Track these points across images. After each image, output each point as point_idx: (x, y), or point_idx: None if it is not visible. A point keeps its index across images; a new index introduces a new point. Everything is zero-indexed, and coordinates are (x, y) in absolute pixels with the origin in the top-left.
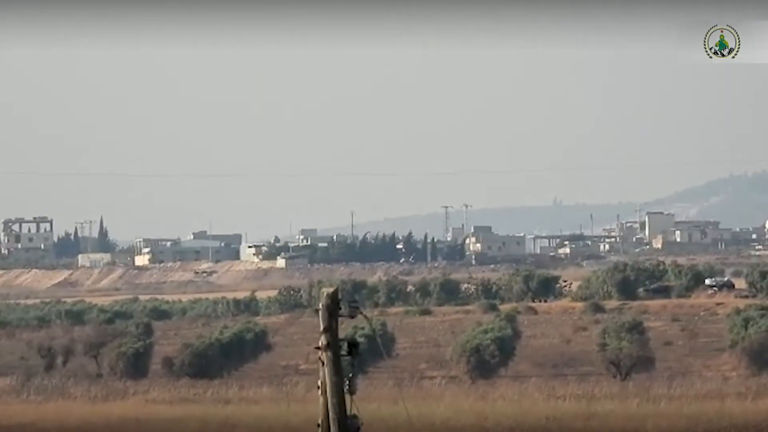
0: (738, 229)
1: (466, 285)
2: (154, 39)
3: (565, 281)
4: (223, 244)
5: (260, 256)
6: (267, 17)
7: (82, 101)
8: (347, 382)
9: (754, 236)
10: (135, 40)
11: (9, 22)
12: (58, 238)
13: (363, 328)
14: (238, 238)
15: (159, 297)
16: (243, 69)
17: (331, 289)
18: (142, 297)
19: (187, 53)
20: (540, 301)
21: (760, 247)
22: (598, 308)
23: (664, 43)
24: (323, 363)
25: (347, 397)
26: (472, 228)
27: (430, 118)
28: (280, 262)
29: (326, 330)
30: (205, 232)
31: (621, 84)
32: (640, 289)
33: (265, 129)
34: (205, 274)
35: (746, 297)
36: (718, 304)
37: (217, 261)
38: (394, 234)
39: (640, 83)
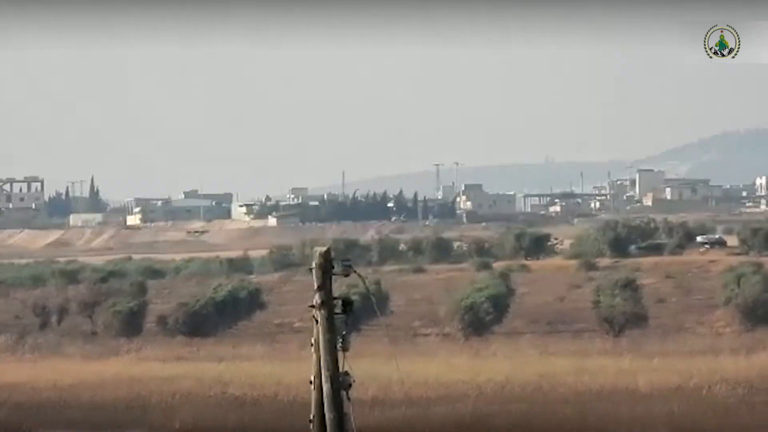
0: (729, 187)
1: (458, 243)
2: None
3: (557, 239)
4: (214, 203)
5: (251, 215)
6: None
7: (82, 67)
8: (341, 340)
9: (744, 194)
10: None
11: None
12: (50, 198)
13: (356, 286)
14: (229, 197)
15: (152, 256)
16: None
17: (324, 248)
18: (134, 256)
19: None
20: (532, 259)
21: (750, 204)
22: (591, 266)
23: (664, 43)
24: (317, 321)
25: (340, 355)
26: (463, 186)
27: (423, 80)
28: (272, 221)
29: (320, 288)
30: (197, 191)
31: (618, 80)
32: (632, 247)
33: (255, 90)
34: (197, 234)
35: (738, 254)
36: (710, 261)
37: (209, 220)
38: (385, 192)
39: (637, 80)
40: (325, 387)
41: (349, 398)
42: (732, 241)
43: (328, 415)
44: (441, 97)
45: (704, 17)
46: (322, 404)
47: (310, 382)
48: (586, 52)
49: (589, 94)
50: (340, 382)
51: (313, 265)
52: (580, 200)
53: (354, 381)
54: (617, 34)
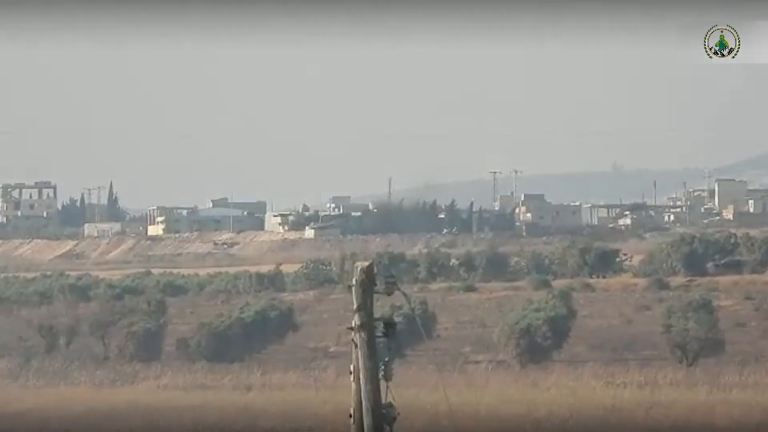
0: None
1: (515, 259)
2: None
3: (626, 255)
4: (246, 212)
5: (287, 226)
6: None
7: (99, 65)
8: (382, 367)
9: None
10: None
11: None
12: (63, 205)
13: (401, 307)
14: (262, 207)
15: (174, 270)
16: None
17: (366, 263)
18: (155, 271)
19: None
20: (598, 277)
21: None
22: (663, 285)
23: (665, 43)
24: (356, 345)
25: (382, 384)
26: (523, 196)
27: (477, 80)
28: (309, 233)
29: (360, 308)
30: (226, 199)
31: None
32: (710, 264)
33: (294, 87)
34: (225, 246)
35: None
36: None
37: (239, 231)
38: (435, 202)
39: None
40: (366, 420)
41: None
42: None
43: None
44: (497, 98)
45: (704, 17)
46: None
47: (350, 416)
48: (635, 51)
49: (657, 97)
50: (382, 415)
51: (353, 281)
52: (652, 212)
53: (398, 414)
54: (616, 35)
